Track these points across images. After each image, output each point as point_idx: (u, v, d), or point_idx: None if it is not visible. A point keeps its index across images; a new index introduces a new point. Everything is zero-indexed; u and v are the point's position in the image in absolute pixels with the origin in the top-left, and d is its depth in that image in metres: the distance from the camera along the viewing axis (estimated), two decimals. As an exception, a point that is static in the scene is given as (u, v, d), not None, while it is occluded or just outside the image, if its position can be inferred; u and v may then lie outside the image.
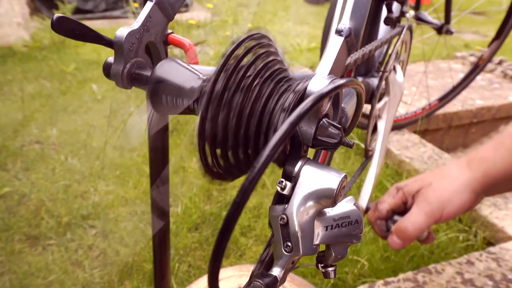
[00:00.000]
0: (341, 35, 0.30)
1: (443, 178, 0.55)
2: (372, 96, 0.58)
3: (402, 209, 0.59)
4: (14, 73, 2.16)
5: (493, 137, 0.57)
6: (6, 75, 2.13)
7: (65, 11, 2.70)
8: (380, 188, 1.33)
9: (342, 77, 0.37)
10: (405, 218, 0.55)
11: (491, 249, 1.03)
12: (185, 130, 1.65)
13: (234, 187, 1.34)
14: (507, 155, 0.53)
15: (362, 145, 1.54)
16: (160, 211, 0.61)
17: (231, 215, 0.21)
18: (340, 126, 0.28)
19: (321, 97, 0.22)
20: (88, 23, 0.37)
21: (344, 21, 0.31)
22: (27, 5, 3.06)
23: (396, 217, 0.59)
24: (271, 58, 0.28)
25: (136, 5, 2.94)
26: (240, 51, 0.27)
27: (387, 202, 0.60)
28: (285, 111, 0.27)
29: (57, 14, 0.34)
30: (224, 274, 0.91)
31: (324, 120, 0.27)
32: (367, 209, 0.66)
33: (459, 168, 0.55)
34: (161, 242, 0.64)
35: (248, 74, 0.27)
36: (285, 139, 0.21)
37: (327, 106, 0.28)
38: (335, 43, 0.30)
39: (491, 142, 0.56)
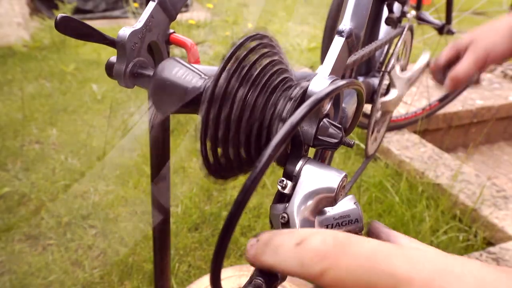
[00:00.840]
0: (342, 36, 0.30)
1: (488, 31, 0.67)
2: (373, 95, 0.58)
3: (458, 61, 0.68)
4: (14, 73, 2.16)
5: None
6: (6, 75, 2.13)
7: (65, 11, 2.70)
8: (380, 188, 1.33)
9: (343, 77, 0.37)
10: (457, 66, 0.66)
11: (491, 249, 1.03)
12: (185, 130, 1.65)
13: (234, 187, 1.34)
14: None
15: (362, 145, 1.54)
16: (161, 211, 0.61)
17: (233, 213, 0.21)
18: (340, 126, 0.28)
19: (321, 98, 0.22)
20: (88, 23, 0.38)
21: (345, 21, 0.32)
22: (27, 5, 3.06)
23: (452, 67, 0.69)
24: (273, 58, 0.29)
25: (136, 5, 2.94)
26: (242, 51, 0.27)
27: (444, 55, 0.71)
28: (286, 113, 0.27)
29: (60, 14, 0.34)
30: (224, 274, 0.91)
31: (324, 120, 0.27)
32: (428, 64, 0.78)
33: (502, 22, 0.66)
34: (161, 242, 0.64)
35: (250, 73, 0.27)
36: (287, 139, 0.21)
37: (328, 106, 0.28)
38: (336, 43, 0.30)
39: None
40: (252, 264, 0.24)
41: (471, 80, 0.69)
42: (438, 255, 0.20)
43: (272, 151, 0.20)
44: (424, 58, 0.77)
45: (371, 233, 0.27)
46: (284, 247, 0.22)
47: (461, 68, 0.66)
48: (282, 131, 0.21)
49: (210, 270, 0.23)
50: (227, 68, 0.27)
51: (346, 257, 0.20)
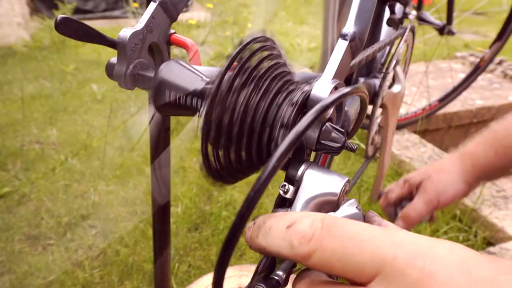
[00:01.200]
0: (345, 39, 0.30)
1: (440, 171, 0.67)
2: (374, 96, 0.58)
3: (409, 197, 0.70)
4: (14, 73, 2.16)
5: (480, 133, 0.69)
6: (6, 75, 2.13)
7: (65, 11, 2.70)
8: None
9: (346, 80, 0.37)
10: (409, 207, 0.67)
11: (491, 249, 1.03)
12: (185, 130, 1.65)
13: (234, 187, 1.34)
14: (488, 149, 0.64)
15: (362, 146, 1.54)
16: (161, 211, 0.61)
17: (236, 225, 0.21)
18: (343, 130, 0.28)
19: (326, 107, 0.22)
20: (88, 23, 0.37)
21: (348, 25, 0.31)
22: (27, 5, 3.06)
23: (404, 203, 0.71)
24: (275, 61, 0.29)
25: (136, 5, 2.94)
26: (245, 53, 0.27)
27: (396, 192, 0.72)
28: (288, 118, 0.27)
29: (60, 15, 0.34)
30: (225, 274, 0.91)
31: (327, 124, 0.27)
32: (379, 196, 0.78)
33: (452, 162, 0.67)
34: (161, 242, 0.64)
35: (252, 76, 0.27)
36: (291, 149, 0.21)
37: (330, 110, 0.28)
38: (340, 47, 0.30)
39: (477, 137, 0.67)
40: (250, 247, 0.24)
41: (424, 219, 0.69)
42: (422, 238, 0.20)
43: (276, 162, 0.20)
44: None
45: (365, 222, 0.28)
46: (276, 229, 0.23)
47: (413, 208, 0.66)
48: (286, 140, 0.21)
49: (212, 282, 0.23)
50: (229, 71, 0.26)
51: (332, 239, 0.21)
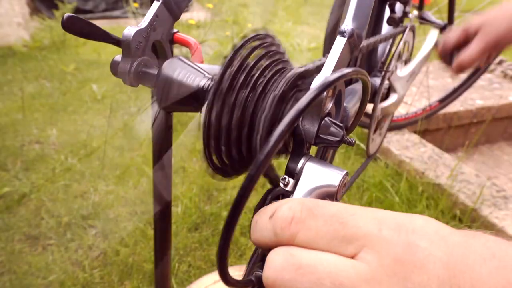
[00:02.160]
0: (344, 36, 0.31)
1: (499, 15, 0.67)
2: (374, 95, 0.58)
3: (465, 44, 0.69)
4: (14, 73, 2.16)
5: None
6: (6, 75, 2.13)
7: (65, 11, 2.70)
8: (380, 188, 1.33)
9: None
10: (466, 51, 0.67)
11: (492, 249, 1.03)
12: (185, 130, 1.65)
13: (234, 187, 1.34)
14: None
15: (362, 145, 1.54)
16: (162, 210, 0.61)
17: (245, 187, 0.21)
18: (342, 124, 0.28)
19: (328, 85, 0.22)
20: (89, 23, 0.38)
21: (347, 22, 0.32)
22: (27, 5, 3.06)
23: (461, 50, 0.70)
24: (276, 58, 0.29)
25: (136, 5, 2.94)
26: (245, 50, 0.27)
27: (452, 37, 0.71)
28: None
29: (67, 14, 0.35)
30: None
31: (326, 119, 0.28)
32: (436, 44, 0.78)
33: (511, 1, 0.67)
34: (162, 241, 0.64)
35: (253, 72, 0.28)
36: (293, 123, 0.21)
37: (329, 105, 0.28)
38: (338, 44, 0.30)
39: None
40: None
41: (480, 63, 0.69)
42: (400, 213, 0.22)
43: (286, 125, 0.21)
44: (432, 37, 0.75)
45: None
46: (261, 222, 0.24)
47: (470, 53, 0.66)
48: (289, 115, 0.21)
49: (216, 256, 0.23)
50: (230, 67, 0.27)
51: (314, 219, 0.22)
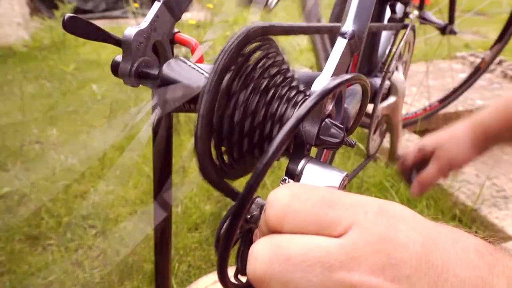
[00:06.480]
0: (344, 38, 0.31)
1: (452, 139, 0.76)
2: (375, 95, 0.58)
3: (423, 162, 0.78)
4: (14, 73, 2.16)
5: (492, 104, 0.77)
6: (6, 75, 2.13)
7: (65, 11, 2.70)
8: (380, 188, 1.33)
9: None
10: (424, 173, 0.77)
11: (492, 249, 1.02)
12: (185, 130, 1.65)
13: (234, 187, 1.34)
14: (499, 117, 0.73)
15: (361, 146, 1.54)
16: (163, 210, 0.61)
17: (244, 196, 0.21)
18: (342, 126, 0.28)
19: (328, 92, 0.22)
20: (89, 23, 0.38)
21: (347, 23, 0.32)
22: (27, 5, 3.06)
23: (419, 168, 0.79)
24: (275, 59, 0.29)
25: (136, 5, 2.94)
26: (236, 48, 0.27)
27: (411, 159, 0.80)
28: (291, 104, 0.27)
29: (68, 14, 0.35)
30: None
31: (327, 120, 0.27)
32: (396, 158, 0.85)
33: (464, 129, 0.76)
34: (162, 241, 0.64)
35: (252, 73, 0.27)
36: (293, 131, 0.21)
37: (330, 106, 0.28)
38: (339, 45, 0.30)
39: (489, 106, 0.76)
40: None
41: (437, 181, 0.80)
42: (380, 199, 0.24)
43: (285, 134, 0.21)
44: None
45: None
46: (260, 221, 0.25)
47: (427, 175, 0.76)
48: (289, 123, 0.21)
49: (217, 263, 0.23)
50: (221, 65, 0.26)
51: (301, 202, 0.23)
